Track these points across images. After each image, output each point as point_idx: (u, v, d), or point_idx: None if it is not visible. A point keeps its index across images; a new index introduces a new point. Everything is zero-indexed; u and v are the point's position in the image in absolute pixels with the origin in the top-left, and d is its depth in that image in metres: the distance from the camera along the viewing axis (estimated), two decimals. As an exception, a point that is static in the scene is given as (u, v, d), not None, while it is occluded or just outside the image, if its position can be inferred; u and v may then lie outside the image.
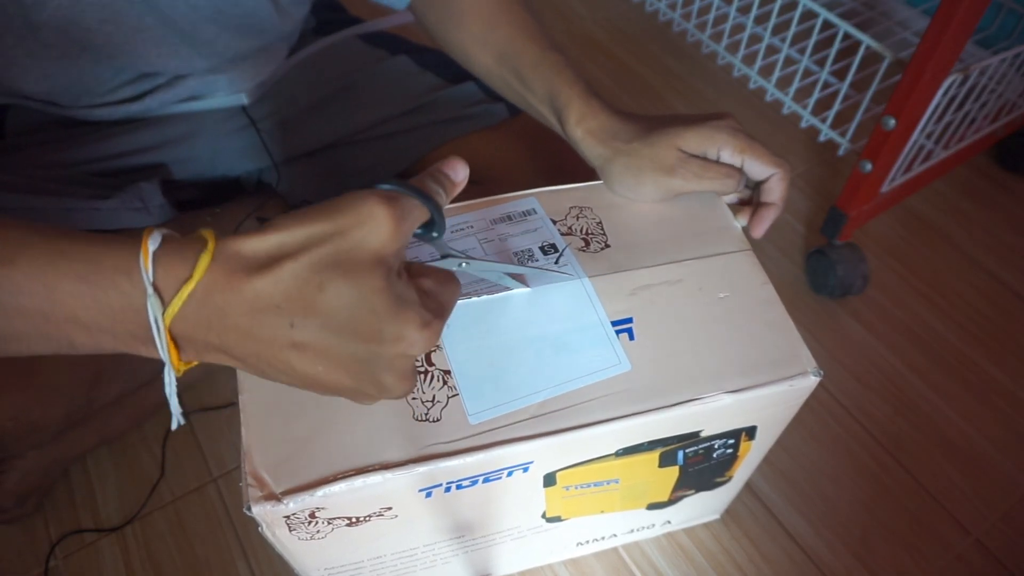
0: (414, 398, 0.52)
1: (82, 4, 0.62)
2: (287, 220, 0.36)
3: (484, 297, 0.56)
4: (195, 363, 0.38)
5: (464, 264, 0.50)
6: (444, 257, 0.49)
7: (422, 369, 0.53)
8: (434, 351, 0.54)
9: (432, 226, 0.41)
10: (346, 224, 0.36)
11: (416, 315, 0.37)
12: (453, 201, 0.64)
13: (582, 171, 0.84)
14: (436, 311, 0.39)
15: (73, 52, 0.67)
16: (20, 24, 0.62)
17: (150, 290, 0.34)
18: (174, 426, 0.41)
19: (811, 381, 0.54)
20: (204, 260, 0.35)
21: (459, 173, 0.43)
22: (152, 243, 0.35)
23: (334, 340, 0.36)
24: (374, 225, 0.36)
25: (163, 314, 0.35)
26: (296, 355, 0.36)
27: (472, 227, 0.61)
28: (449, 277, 0.41)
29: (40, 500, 0.87)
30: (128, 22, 0.66)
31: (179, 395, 0.41)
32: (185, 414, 0.94)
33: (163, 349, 0.36)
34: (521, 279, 0.57)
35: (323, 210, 0.36)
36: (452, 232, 0.61)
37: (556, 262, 0.58)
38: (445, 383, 0.53)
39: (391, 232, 0.36)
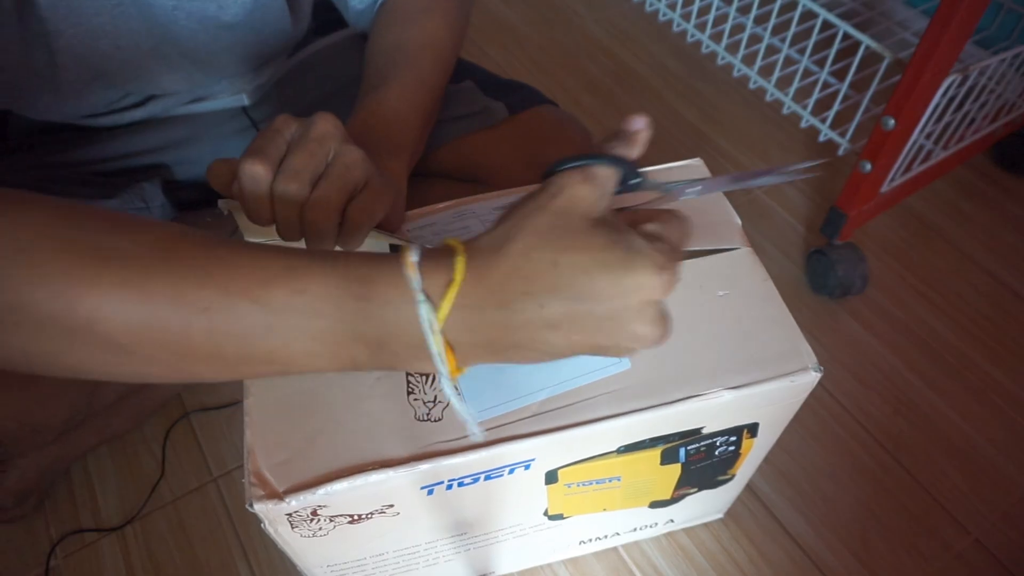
0: (415, 399, 0.52)
1: (96, 32, 0.63)
2: (504, 213, 0.40)
3: None
4: (463, 370, 0.40)
5: (689, 190, 0.49)
6: (666, 194, 0.48)
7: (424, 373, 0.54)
8: None
9: (628, 178, 0.43)
10: (544, 199, 0.38)
11: (649, 261, 0.37)
12: (454, 197, 0.64)
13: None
14: (668, 252, 0.39)
15: (86, 78, 0.67)
16: (43, 50, 0.63)
17: (420, 296, 0.37)
18: (474, 436, 0.43)
19: (812, 377, 0.54)
20: (460, 263, 0.37)
21: (633, 124, 0.45)
22: (413, 255, 0.37)
23: (581, 307, 0.37)
24: (570, 192, 0.38)
25: (434, 318, 0.37)
26: (552, 333, 0.38)
27: (475, 214, 0.61)
28: (673, 215, 0.42)
29: (40, 499, 0.87)
30: (144, 50, 0.67)
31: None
32: (188, 414, 0.94)
33: (439, 354, 0.38)
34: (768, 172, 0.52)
35: (526, 198, 0.40)
36: (454, 218, 0.61)
37: None
38: None
39: (590, 193, 0.38)
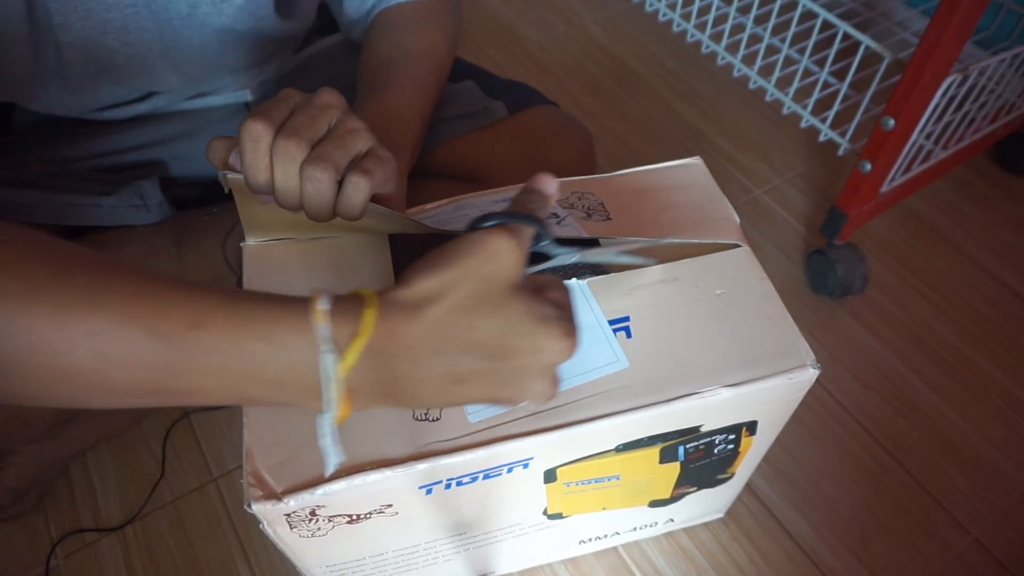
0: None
1: (105, 26, 0.64)
2: (425, 269, 0.39)
3: None
4: (349, 415, 0.41)
5: (577, 257, 0.51)
6: (555, 256, 0.49)
7: None
8: None
9: (539, 237, 0.44)
10: (475, 265, 0.39)
11: (557, 329, 0.39)
12: (456, 194, 0.64)
13: (581, 171, 0.84)
14: (570, 319, 0.41)
15: (92, 72, 0.68)
16: (51, 43, 0.63)
17: (325, 347, 0.37)
18: (329, 472, 0.42)
19: (810, 374, 0.54)
20: (370, 316, 0.38)
21: (550, 186, 0.46)
22: (321, 304, 0.38)
23: (491, 366, 0.39)
24: (502, 259, 0.39)
25: (338, 368, 0.37)
26: (457, 386, 0.40)
27: (475, 207, 0.61)
28: (561, 283, 0.44)
29: (39, 498, 0.87)
30: (150, 47, 0.68)
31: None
32: (188, 414, 0.94)
33: (333, 401, 0.38)
34: (646, 252, 0.56)
35: (453, 256, 0.39)
36: (454, 210, 0.61)
37: (558, 224, 0.58)
38: None
39: (517, 260, 0.40)
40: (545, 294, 0.42)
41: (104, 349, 0.36)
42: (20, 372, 0.36)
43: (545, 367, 0.40)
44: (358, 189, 0.50)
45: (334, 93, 0.51)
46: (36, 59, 0.64)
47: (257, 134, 0.48)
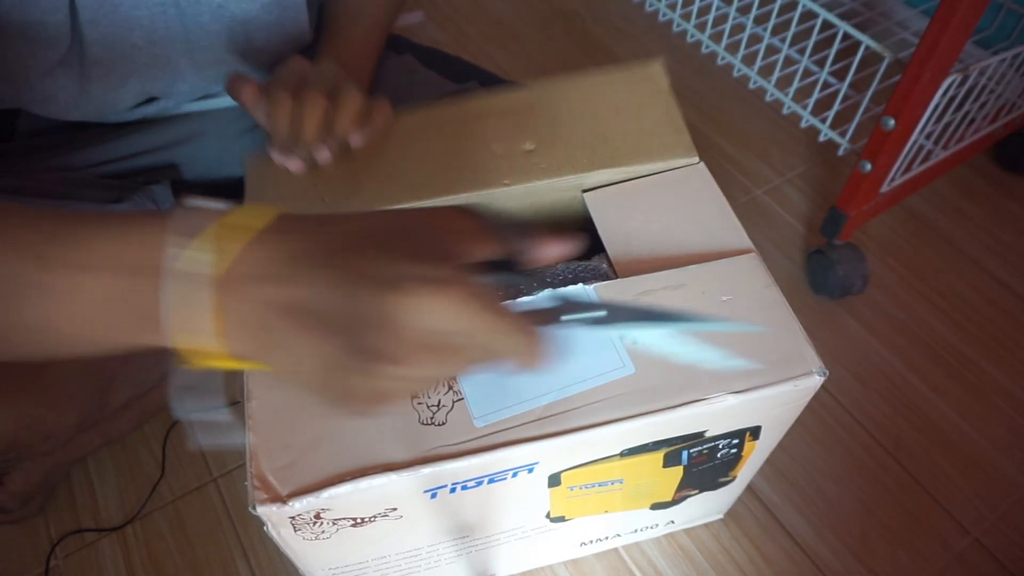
0: (419, 403, 0.52)
1: (131, 23, 0.64)
2: None
3: None
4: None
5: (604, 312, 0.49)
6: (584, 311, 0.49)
7: None
8: None
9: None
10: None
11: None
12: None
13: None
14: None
15: (115, 72, 0.68)
16: (75, 40, 0.63)
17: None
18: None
19: (815, 381, 0.54)
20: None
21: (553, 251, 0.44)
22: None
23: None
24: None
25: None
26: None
27: None
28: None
29: (44, 501, 0.87)
30: (176, 47, 0.68)
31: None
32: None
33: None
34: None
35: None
36: None
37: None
38: (450, 388, 0.53)
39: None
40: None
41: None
42: None
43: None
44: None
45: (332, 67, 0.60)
46: (66, 60, 0.64)
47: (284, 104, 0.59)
